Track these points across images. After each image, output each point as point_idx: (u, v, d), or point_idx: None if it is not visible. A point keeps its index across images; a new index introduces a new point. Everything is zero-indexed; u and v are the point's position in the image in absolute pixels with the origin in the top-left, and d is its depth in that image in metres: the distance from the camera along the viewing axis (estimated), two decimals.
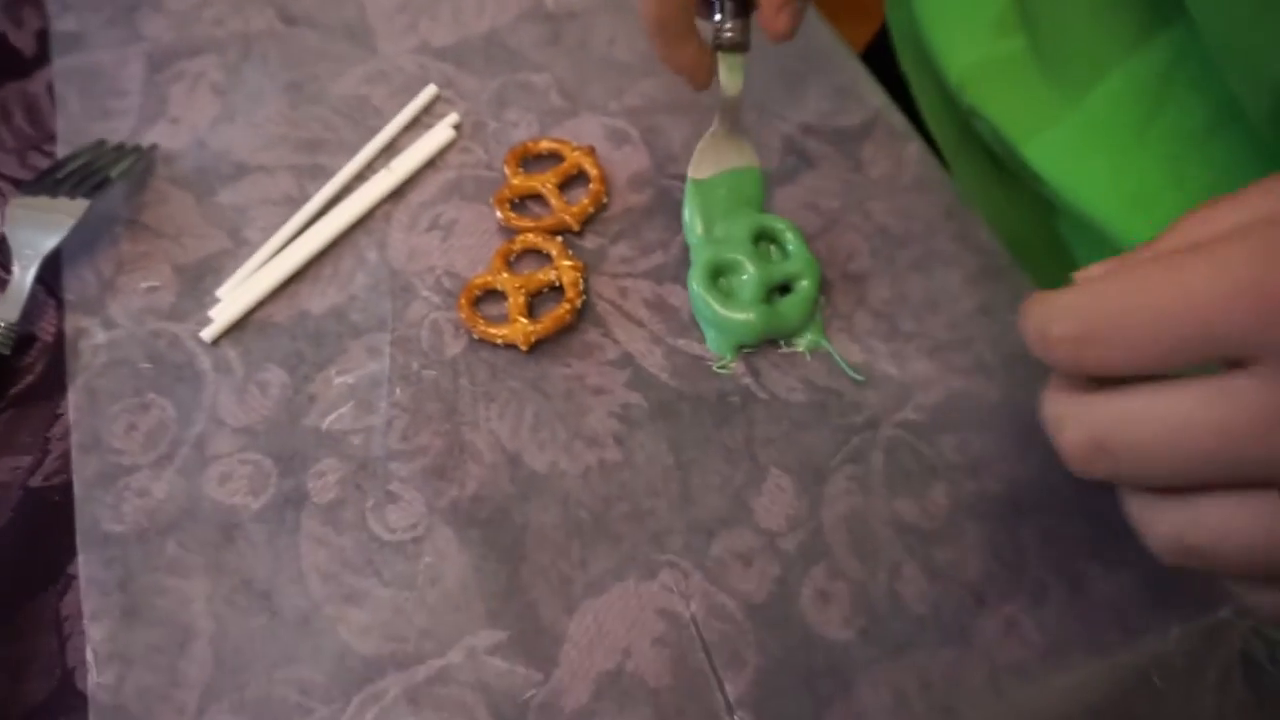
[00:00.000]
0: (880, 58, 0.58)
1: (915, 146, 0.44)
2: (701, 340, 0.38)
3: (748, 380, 0.37)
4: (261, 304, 0.39)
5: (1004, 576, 0.33)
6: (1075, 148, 0.43)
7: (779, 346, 0.38)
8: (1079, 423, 0.23)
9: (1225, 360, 0.21)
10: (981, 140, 0.49)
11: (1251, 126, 0.35)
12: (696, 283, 0.38)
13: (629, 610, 0.33)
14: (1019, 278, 0.41)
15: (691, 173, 0.40)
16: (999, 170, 0.51)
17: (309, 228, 0.41)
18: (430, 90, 0.45)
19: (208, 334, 0.37)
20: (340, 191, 0.42)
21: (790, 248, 0.39)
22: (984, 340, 0.39)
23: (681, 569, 0.33)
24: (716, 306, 0.37)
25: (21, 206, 0.39)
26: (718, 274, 0.38)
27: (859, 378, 0.37)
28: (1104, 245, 0.42)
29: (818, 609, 0.33)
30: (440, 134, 0.43)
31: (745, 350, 0.38)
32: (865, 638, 0.32)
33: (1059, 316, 0.23)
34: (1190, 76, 0.38)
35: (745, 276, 0.38)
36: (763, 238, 0.40)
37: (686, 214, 0.40)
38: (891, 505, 0.35)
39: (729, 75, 0.38)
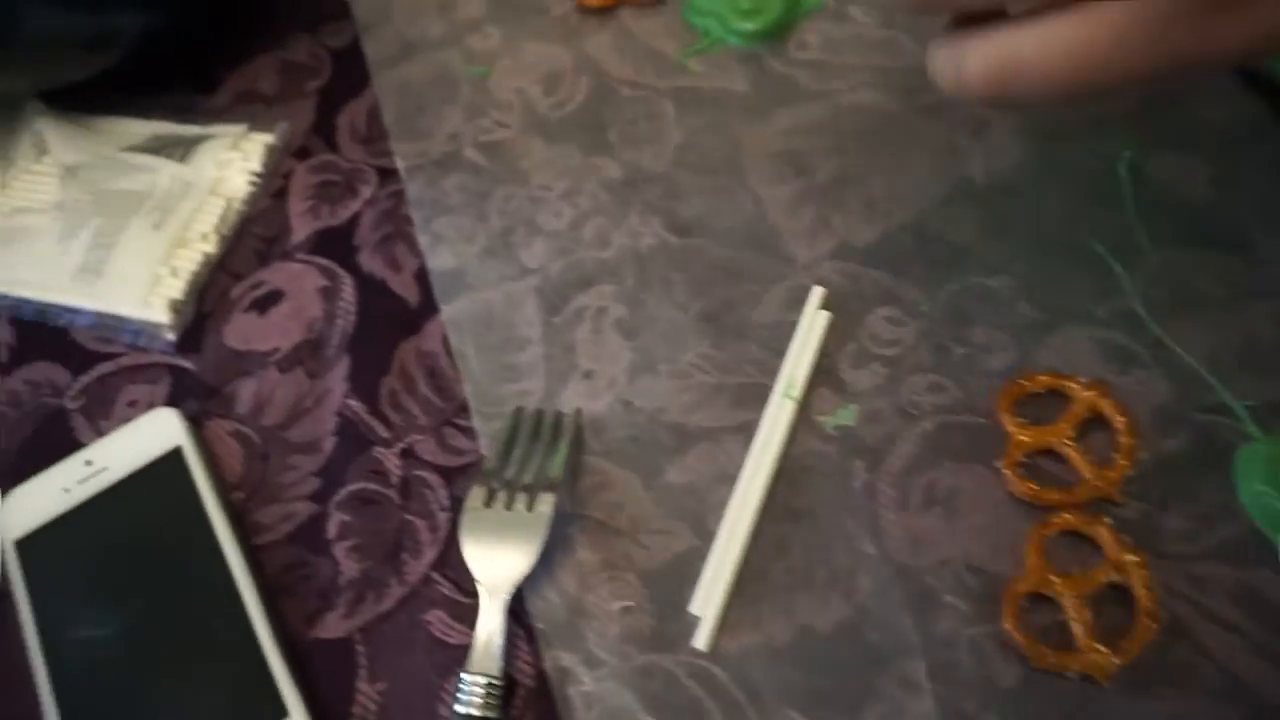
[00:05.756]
0: None
1: None
2: None
3: None
4: (760, 622, 0.33)
5: None
6: None
7: None
8: (983, 52, 0.24)
9: None
10: None
11: None
12: None
13: None
14: None
15: None
16: None
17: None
18: (818, 292, 0.39)
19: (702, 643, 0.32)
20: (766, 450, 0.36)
21: None
22: None
23: None
24: None
25: (476, 523, 0.34)
26: None
27: None
28: None
29: None
30: (818, 322, 0.38)
31: None
32: None
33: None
34: None
35: None
36: None
37: None
38: None
39: None
